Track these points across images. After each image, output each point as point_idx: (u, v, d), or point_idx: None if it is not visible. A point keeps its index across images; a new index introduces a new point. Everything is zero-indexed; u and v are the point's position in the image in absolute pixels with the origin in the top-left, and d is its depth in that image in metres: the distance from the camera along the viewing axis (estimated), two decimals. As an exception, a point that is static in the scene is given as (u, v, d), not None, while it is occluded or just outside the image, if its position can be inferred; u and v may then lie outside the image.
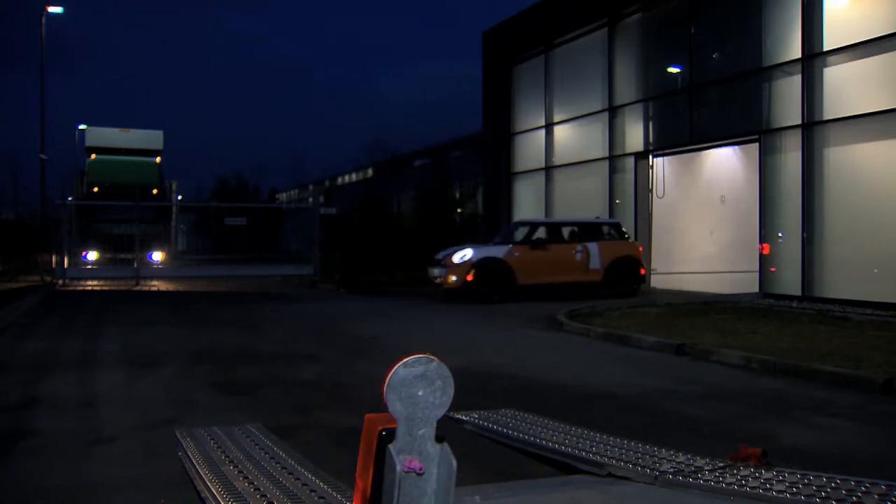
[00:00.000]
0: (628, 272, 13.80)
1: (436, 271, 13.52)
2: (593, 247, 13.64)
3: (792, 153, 12.06)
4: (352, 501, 2.22)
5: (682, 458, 3.47)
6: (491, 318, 10.68)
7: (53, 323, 10.31)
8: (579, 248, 13.60)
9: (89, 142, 23.44)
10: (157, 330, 9.31)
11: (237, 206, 31.06)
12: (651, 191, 15.52)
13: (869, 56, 10.94)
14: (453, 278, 12.92)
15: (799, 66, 11.85)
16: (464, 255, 13.04)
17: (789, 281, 12.00)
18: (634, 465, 3.35)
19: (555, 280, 13.36)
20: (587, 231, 14.10)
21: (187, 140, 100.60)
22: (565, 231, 14.15)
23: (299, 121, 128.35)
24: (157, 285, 17.60)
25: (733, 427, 4.65)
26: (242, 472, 3.20)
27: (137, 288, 16.89)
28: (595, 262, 13.57)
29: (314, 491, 2.95)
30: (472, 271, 12.88)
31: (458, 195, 31.72)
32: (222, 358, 7.18)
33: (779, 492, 2.95)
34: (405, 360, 2.03)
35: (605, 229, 14.32)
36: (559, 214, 18.09)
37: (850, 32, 11.16)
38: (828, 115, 11.47)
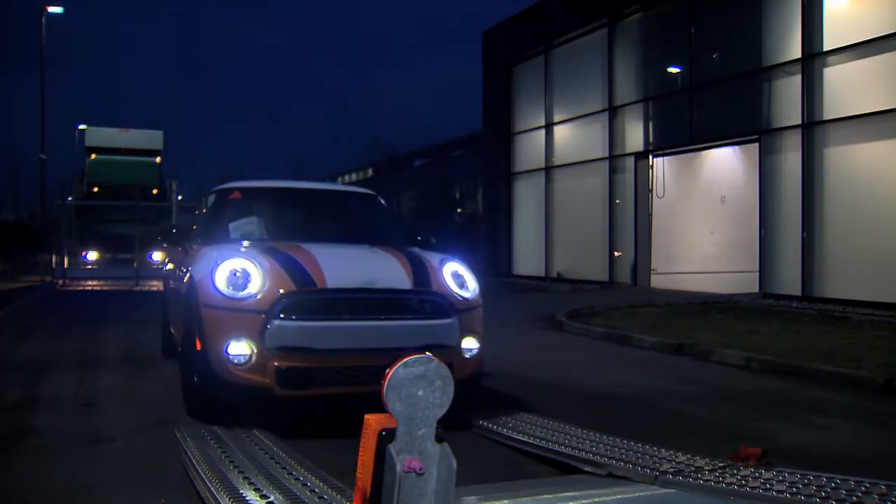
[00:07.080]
0: None
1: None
2: None
3: (792, 153, 12.05)
4: (352, 501, 2.22)
5: (682, 458, 3.48)
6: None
7: (53, 323, 10.30)
8: None
9: (89, 142, 23.40)
10: (156, 330, 9.29)
11: None
12: (651, 191, 15.51)
13: (869, 56, 10.93)
14: None
15: (799, 66, 11.84)
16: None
17: (789, 281, 11.99)
18: (634, 465, 3.35)
19: None
20: None
21: (187, 140, 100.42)
22: None
23: (299, 120, 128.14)
24: (158, 285, 17.57)
25: (733, 427, 4.65)
26: (242, 471, 3.20)
27: (137, 288, 16.89)
28: None
29: (314, 491, 2.95)
30: None
31: (458, 195, 31.74)
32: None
33: (779, 492, 2.95)
34: (405, 360, 2.02)
35: None
36: (559, 215, 18.08)
37: (851, 32, 11.15)
38: (828, 115, 11.46)
